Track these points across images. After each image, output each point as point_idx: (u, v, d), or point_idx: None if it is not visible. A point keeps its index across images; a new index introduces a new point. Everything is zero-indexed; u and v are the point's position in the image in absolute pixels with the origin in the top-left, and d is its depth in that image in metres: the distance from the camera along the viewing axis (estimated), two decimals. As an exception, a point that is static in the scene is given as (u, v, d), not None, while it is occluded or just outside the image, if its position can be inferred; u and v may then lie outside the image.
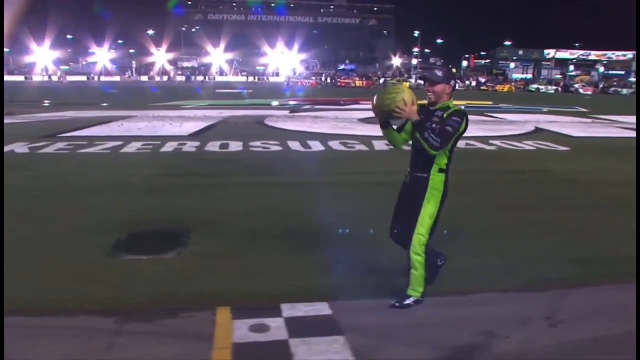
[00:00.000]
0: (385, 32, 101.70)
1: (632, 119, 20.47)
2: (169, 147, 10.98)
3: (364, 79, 70.07)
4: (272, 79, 75.77)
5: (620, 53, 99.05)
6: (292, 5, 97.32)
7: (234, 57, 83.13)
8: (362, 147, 11.39)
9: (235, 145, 11.23)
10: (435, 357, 2.95)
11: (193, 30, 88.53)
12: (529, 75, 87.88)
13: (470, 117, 3.54)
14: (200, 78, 74.53)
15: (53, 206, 6.14)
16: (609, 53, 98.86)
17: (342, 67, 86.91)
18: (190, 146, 11.09)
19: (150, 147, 10.83)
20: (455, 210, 4.68)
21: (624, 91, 65.83)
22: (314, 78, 68.22)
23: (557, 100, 38.55)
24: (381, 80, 68.27)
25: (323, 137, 12.84)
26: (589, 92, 61.57)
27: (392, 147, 3.76)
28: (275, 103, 27.21)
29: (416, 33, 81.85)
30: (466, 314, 3.48)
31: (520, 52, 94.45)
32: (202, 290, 3.76)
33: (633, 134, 15.80)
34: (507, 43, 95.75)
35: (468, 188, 7.10)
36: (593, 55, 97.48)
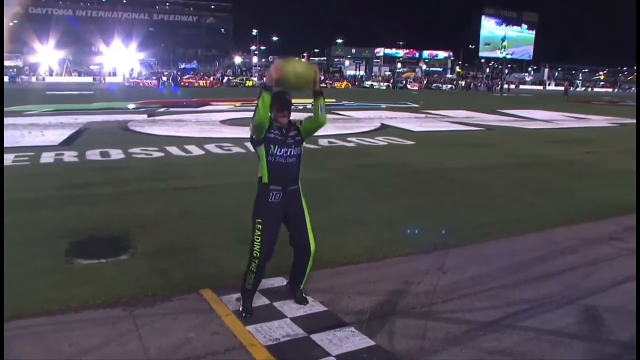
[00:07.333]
0: (223, 30, 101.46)
1: (454, 112, 24.76)
2: (48, 157, 10.81)
3: (205, 78, 69.34)
4: (109, 79, 71.46)
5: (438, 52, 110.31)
6: (124, 1, 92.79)
7: (65, 55, 77.01)
8: (239, 149, 12.24)
9: (116, 153, 11.40)
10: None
11: (11, 24, 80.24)
12: (362, 73, 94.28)
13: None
14: (26, 78, 67.59)
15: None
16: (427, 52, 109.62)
17: (183, 66, 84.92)
18: (70, 156, 11.02)
19: (27, 159, 10.50)
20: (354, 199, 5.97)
21: (444, 87, 74.35)
22: (154, 78, 65.52)
23: (390, 96, 42.62)
24: (224, 80, 68.41)
25: (197, 141, 13.40)
26: (416, 88, 68.29)
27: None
28: (131, 106, 26.54)
29: (254, 31, 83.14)
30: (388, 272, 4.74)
31: (353, 51, 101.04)
32: (179, 279, 4.52)
33: (459, 127, 18.72)
34: (339, 41, 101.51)
35: (353, 181, 8.59)
36: (416, 53, 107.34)
